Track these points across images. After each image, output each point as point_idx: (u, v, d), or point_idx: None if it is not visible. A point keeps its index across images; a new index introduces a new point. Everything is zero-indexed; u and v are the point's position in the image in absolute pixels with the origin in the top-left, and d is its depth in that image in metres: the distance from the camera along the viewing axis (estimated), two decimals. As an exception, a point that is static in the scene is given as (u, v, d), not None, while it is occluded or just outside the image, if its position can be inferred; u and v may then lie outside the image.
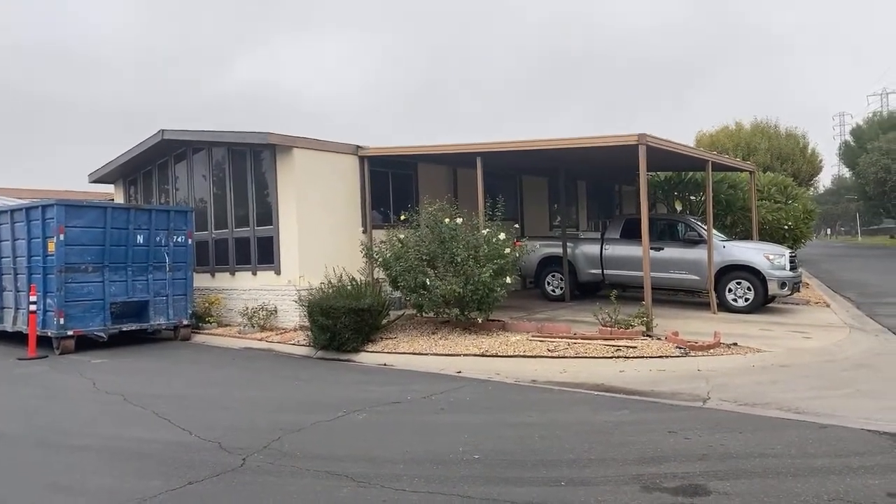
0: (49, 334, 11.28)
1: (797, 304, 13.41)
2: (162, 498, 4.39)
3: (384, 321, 10.77)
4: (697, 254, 12.57)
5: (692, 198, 18.46)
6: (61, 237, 11.12)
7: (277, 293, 12.55)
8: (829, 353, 8.78)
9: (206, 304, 13.36)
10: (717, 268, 12.28)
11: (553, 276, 14.66)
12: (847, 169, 59.07)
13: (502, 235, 10.54)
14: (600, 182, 21.06)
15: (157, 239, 12.35)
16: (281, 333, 11.79)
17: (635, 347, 8.77)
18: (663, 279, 12.90)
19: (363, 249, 11.85)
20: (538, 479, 4.53)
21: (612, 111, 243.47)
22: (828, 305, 13.46)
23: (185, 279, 12.74)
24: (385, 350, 9.82)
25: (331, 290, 10.47)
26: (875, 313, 12.53)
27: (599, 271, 14.08)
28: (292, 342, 11.08)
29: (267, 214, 12.85)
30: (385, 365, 9.32)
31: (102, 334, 11.58)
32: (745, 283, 12.13)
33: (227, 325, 13.12)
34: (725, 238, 13.77)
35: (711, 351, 8.57)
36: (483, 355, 9.01)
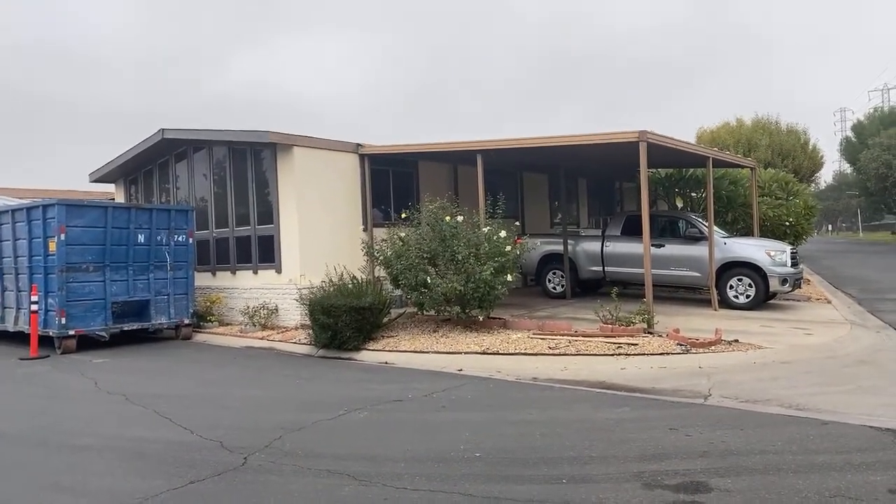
0: (51, 334, 11.30)
1: (798, 300, 13.40)
2: (164, 497, 4.39)
3: (385, 319, 10.78)
4: (698, 250, 12.54)
5: (693, 194, 18.45)
6: (62, 237, 11.13)
7: (278, 292, 12.56)
8: (830, 350, 8.77)
9: (208, 304, 13.38)
10: (718, 264, 12.25)
11: (554, 273, 14.64)
12: (848, 165, 58.98)
13: (503, 233, 10.53)
14: (601, 179, 21.00)
15: (159, 238, 12.36)
16: (282, 332, 11.80)
17: (636, 345, 8.77)
18: (664, 276, 12.87)
19: (364, 248, 11.85)
20: (539, 477, 4.53)
21: (612, 111, 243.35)
22: (829, 302, 13.44)
23: (186, 278, 12.75)
24: (386, 348, 9.82)
25: (332, 289, 10.48)
26: (876, 309, 12.51)
27: (600, 268, 14.06)
28: (293, 341, 11.09)
29: (268, 213, 12.86)
30: (386, 363, 9.33)
31: (104, 334, 11.61)
32: (747, 280, 12.11)
33: (228, 324, 13.14)
34: (726, 235, 13.73)
35: (713, 348, 8.56)
36: (484, 353, 9.02)
